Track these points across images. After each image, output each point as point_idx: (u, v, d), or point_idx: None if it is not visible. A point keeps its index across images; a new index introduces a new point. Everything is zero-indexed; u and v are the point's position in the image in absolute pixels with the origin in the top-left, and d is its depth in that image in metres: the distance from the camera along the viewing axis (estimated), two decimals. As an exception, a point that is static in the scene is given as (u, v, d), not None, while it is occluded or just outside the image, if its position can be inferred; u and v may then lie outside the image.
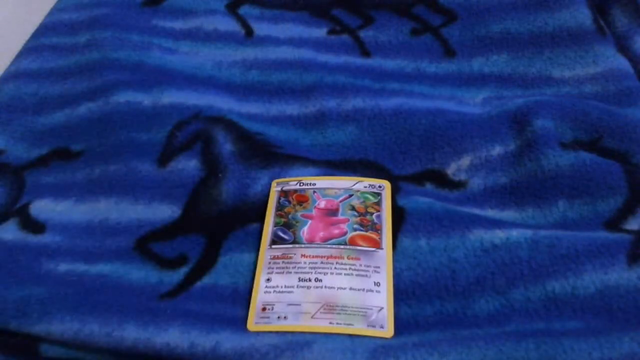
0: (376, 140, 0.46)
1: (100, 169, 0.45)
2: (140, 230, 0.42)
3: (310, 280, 0.37)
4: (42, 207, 0.44)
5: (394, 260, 0.38)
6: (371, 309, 0.36)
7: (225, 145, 0.45)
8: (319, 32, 0.56)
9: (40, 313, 0.36)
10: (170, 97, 0.48)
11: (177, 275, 0.39)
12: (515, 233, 0.38)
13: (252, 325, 0.35)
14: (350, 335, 0.34)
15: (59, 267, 0.40)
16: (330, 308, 0.36)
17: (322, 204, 0.41)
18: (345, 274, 0.37)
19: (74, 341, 0.35)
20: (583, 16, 0.52)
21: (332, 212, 0.40)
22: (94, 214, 0.43)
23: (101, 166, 0.45)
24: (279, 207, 0.41)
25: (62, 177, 0.46)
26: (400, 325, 0.35)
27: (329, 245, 0.38)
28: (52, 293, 0.37)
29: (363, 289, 0.36)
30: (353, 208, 0.41)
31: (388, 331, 0.35)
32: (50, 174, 0.46)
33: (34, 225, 0.43)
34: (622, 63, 0.50)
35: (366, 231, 0.39)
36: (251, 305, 0.36)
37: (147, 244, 0.41)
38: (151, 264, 0.40)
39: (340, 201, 0.41)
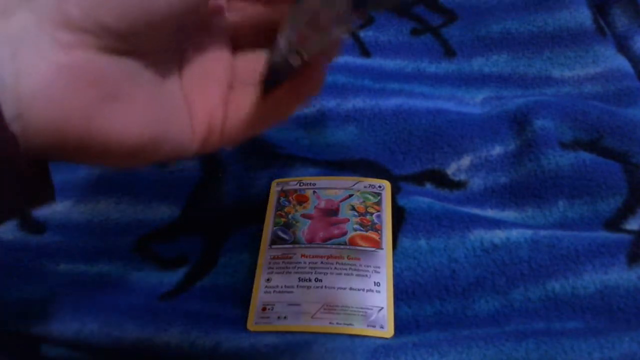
0: (376, 140, 0.46)
1: (101, 169, 0.45)
2: (140, 230, 0.42)
3: (310, 280, 0.37)
4: (42, 208, 0.44)
5: (394, 260, 0.38)
6: (371, 309, 0.36)
7: (225, 145, 0.45)
8: (319, 32, 0.56)
9: (40, 313, 0.36)
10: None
11: (177, 276, 0.39)
12: (515, 233, 0.38)
13: (252, 325, 0.35)
14: (350, 335, 0.34)
15: (59, 267, 0.40)
16: (330, 308, 0.36)
17: (322, 204, 0.41)
18: (345, 274, 0.37)
19: (74, 341, 0.35)
20: (583, 16, 0.52)
21: (332, 212, 0.40)
22: (93, 214, 0.43)
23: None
24: (279, 207, 0.41)
25: (62, 177, 0.46)
26: (400, 325, 0.35)
27: (329, 245, 0.38)
28: (52, 293, 0.37)
29: (363, 289, 0.36)
30: (353, 208, 0.41)
31: (388, 331, 0.35)
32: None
33: (34, 226, 0.43)
34: (622, 63, 0.50)
35: (366, 231, 0.39)
36: (251, 305, 0.36)
37: (147, 244, 0.41)
38: (151, 264, 0.40)
39: (340, 201, 0.41)
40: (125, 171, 0.45)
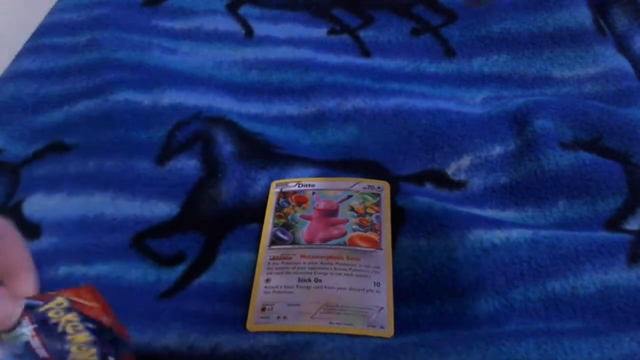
0: (376, 140, 0.46)
1: (95, 163, 0.45)
2: (137, 226, 0.42)
3: (310, 280, 0.37)
4: (35, 204, 0.43)
5: (394, 261, 0.38)
6: (371, 308, 0.36)
7: (225, 146, 0.45)
8: (319, 32, 0.56)
9: None
10: (170, 97, 0.48)
11: (175, 273, 0.39)
12: (515, 233, 0.38)
13: (251, 325, 0.35)
14: (350, 335, 0.34)
15: (58, 271, 0.40)
16: (330, 308, 0.36)
17: (322, 204, 0.41)
18: (345, 274, 0.37)
19: None
20: (583, 16, 0.52)
21: (332, 212, 0.40)
22: (88, 208, 0.43)
23: (96, 160, 0.45)
24: (278, 208, 0.41)
25: (54, 169, 0.45)
26: (400, 325, 0.35)
27: (328, 246, 0.38)
28: None
29: (363, 289, 0.36)
30: (352, 209, 0.41)
31: (388, 331, 0.35)
32: (44, 166, 0.46)
33: (29, 229, 0.42)
34: (622, 63, 0.50)
35: (365, 232, 0.39)
36: (251, 305, 0.36)
37: (144, 241, 0.41)
38: (149, 261, 0.40)
39: (340, 202, 0.41)
40: (123, 168, 0.44)
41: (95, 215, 0.42)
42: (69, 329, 0.27)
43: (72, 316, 0.27)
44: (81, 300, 0.28)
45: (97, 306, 0.28)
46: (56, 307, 0.27)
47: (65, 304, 0.27)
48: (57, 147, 0.47)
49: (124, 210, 0.42)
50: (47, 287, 0.38)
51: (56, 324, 0.26)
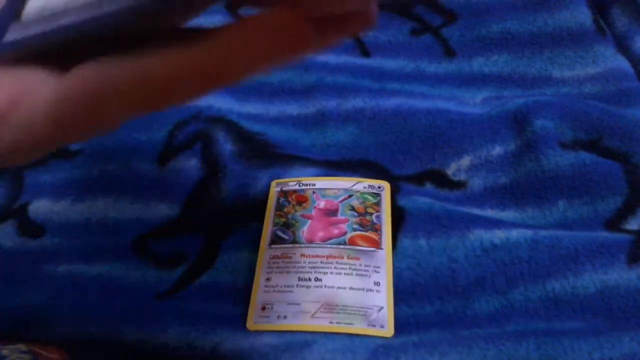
0: (376, 140, 0.46)
1: (99, 168, 0.45)
2: (139, 228, 0.42)
3: (310, 279, 0.37)
4: (40, 208, 0.44)
5: (394, 260, 0.38)
6: (371, 308, 0.36)
7: (225, 145, 0.45)
8: (319, 32, 0.56)
9: (41, 317, 0.36)
10: (170, 97, 0.48)
11: (175, 274, 0.39)
12: (515, 233, 0.38)
13: (251, 324, 0.35)
14: (350, 335, 0.34)
15: (58, 268, 0.40)
16: (330, 307, 0.36)
17: (322, 204, 0.41)
18: (345, 274, 0.37)
19: (73, 343, 0.35)
20: (583, 16, 0.52)
21: (332, 212, 0.40)
22: (92, 212, 0.43)
23: (100, 165, 0.45)
24: (279, 207, 0.41)
25: (61, 176, 0.45)
26: (401, 325, 0.35)
27: (328, 245, 0.38)
28: (52, 296, 0.37)
29: (363, 289, 0.36)
30: (352, 208, 0.41)
31: (388, 331, 0.35)
32: (48, 173, 0.46)
33: (33, 229, 0.42)
34: (622, 63, 0.50)
35: (366, 231, 0.39)
36: (251, 304, 0.36)
37: (145, 243, 0.41)
38: (150, 262, 0.40)
39: (340, 201, 0.41)
40: (125, 170, 0.45)
41: (99, 220, 0.42)
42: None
43: (25, 356, 0.27)
44: (41, 350, 0.28)
45: (56, 357, 0.28)
46: (12, 348, 0.27)
47: (23, 348, 0.27)
48: (61, 153, 0.47)
49: (126, 213, 0.42)
50: (47, 284, 0.39)
51: (5, 357, 0.26)
